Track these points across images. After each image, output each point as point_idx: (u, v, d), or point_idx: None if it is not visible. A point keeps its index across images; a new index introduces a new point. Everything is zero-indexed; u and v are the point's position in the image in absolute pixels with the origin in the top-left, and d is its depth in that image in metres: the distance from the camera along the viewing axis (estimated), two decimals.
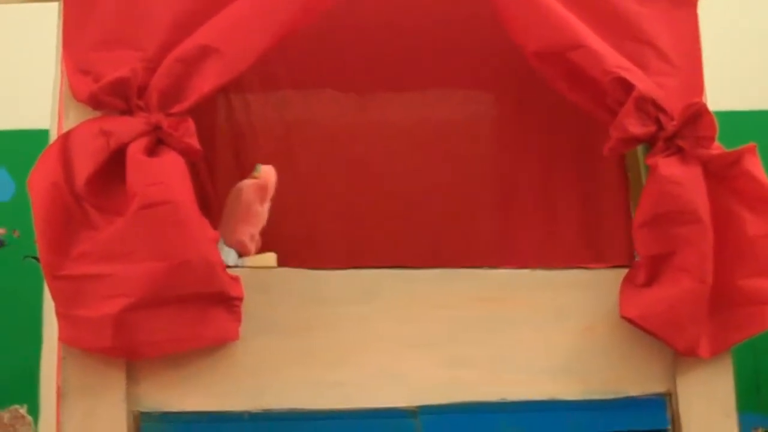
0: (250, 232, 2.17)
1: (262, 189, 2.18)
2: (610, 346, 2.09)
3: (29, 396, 2.74)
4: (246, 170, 2.31)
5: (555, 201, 2.54)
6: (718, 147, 2.11)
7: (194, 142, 1.96)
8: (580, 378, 2.07)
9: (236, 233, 2.19)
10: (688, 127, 2.09)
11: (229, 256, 2.20)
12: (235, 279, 1.93)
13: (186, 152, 1.95)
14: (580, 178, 2.57)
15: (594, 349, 2.08)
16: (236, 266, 2.12)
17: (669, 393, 2.09)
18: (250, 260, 2.17)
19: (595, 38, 2.13)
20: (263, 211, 2.17)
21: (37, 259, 1.89)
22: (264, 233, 2.44)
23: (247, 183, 2.22)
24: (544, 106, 2.54)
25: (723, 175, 2.09)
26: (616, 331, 2.08)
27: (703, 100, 2.16)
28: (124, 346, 1.85)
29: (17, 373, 3.20)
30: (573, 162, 2.59)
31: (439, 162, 2.62)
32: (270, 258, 2.13)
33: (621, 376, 2.08)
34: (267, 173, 2.19)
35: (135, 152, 1.90)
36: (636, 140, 2.12)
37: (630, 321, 2.05)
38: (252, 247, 2.18)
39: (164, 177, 1.89)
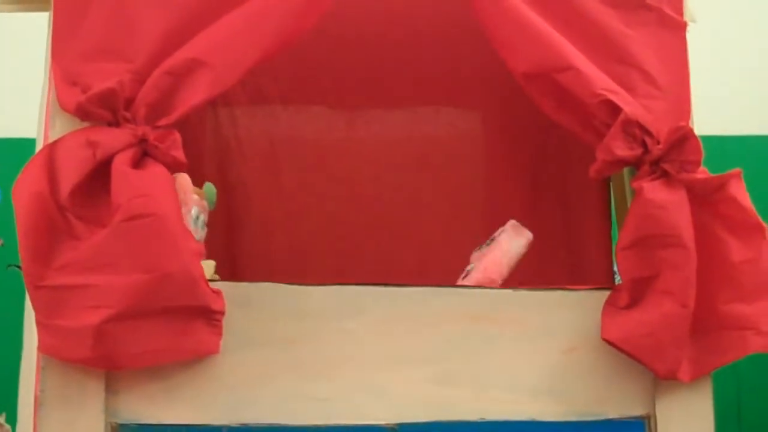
0: None
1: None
2: (591, 367, 2.09)
3: (8, 405, 2.73)
4: (231, 184, 2.31)
5: (539, 220, 2.54)
6: (703, 171, 2.12)
7: (180, 155, 1.96)
8: (561, 399, 2.07)
9: None
10: (674, 151, 2.10)
11: None
12: (218, 293, 1.93)
13: (171, 165, 1.95)
14: (564, 199, 2.59)
15: (575, 370, 2.09)
16: None
17: (648, 416, 2.09)
18: None
19: (584, 60, 2.13)
20: (183, 213, 2.14)
21: (21, 267, 1.89)
22: (248, 247, 2.45)
23: None
24: (531, 127, 2.55)
25: (708, 200, 2.10)
26: (597, 353, 2.08)
27: (690, 124, 2.17)
28: (103, 357, 1.85)
29: None
30: (557, 183, 2.60)
31: (425, 179, 2.63)
32: (207, 265, 2.10)
33: (601, 398, 2.08)
34: (176, 178, 2.18)
35: (120, 164, 1.90)
36: (622, 163, 2.12)
37: (611, 343, 2.05)
38: None
39: (149, 189, 1.88)
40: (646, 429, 2.08)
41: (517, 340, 2.07)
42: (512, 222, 2.32)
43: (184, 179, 2.16)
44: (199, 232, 2.15)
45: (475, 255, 2.30)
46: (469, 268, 2.28)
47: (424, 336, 2.05)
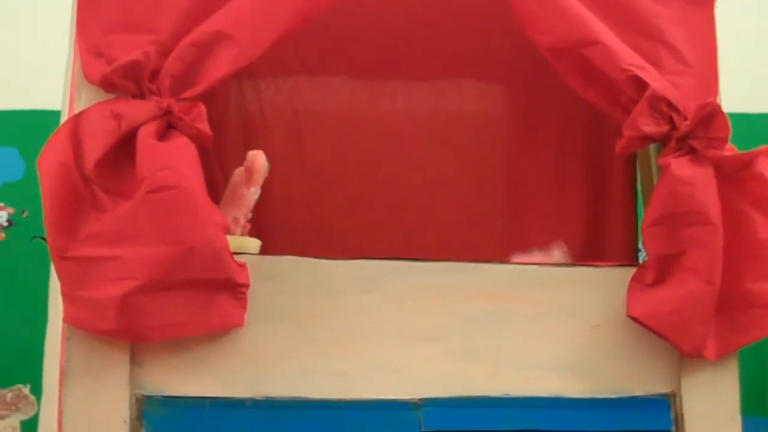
0: (233, 214, 2.13)
1: (248, 172, 2.16)
2: (616, 345, 2.08)
3: (33, 376, 2.75)
4: None
5: (563, 196, 2.54)
6: (731, 148, 2.11)
7: (205, 127, 1.95)
8: (585, 376, 2.07)
9: None
10: (701, 128, 2.08)
11: None
12: (242, 266, 1.93)
13: (196, 137, 1.94)
14: (589, 175, 2.58)
15: (599, 347, 2.08)
16: None
17: (673, 394, 2.08)
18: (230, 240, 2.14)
19: (611, 35, 2.12)
20: (249, 194, 2.14)
21: (45, 239, 1.89)
22: (272, 221, 2.45)
23: (239, 169, 2.21)
24: (556, 101, 2.54)
25: (735, 177, 2.09)
26: (622, 330, 2.08)
27: (718, 101, 2.15)
28: (128, 328, 1.85)
29: (22, 352, 3.21)
30: (582, 158, 2.59)
31: (449, 153, 2.62)
32: (252, 243, 2.10)
33: (626, 375, 2.08)
34: (253, 156, 2.17)
35: (145, 136, 1.89)
36: (648, 139, 2.11)
37: (636, 320, 2.04)
38: (236, 230, 2.15)
39: (174, 162, 1.88)
40: (671, 406, 2.08)
41: (541, 316, 2.07)
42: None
43: (264, 161, 2.16)
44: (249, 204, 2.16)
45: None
46: None
47: (446, 312, 2.05)
